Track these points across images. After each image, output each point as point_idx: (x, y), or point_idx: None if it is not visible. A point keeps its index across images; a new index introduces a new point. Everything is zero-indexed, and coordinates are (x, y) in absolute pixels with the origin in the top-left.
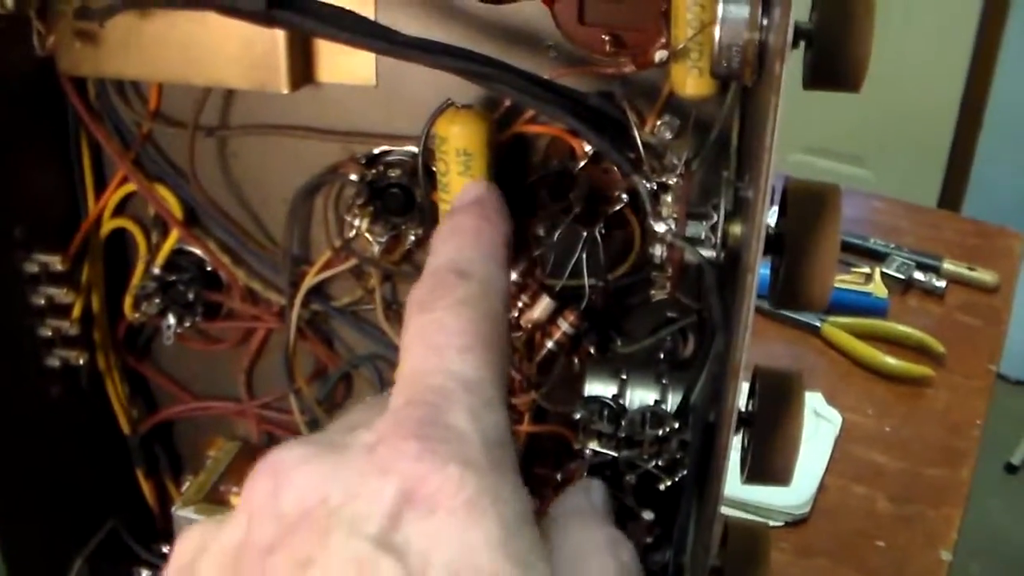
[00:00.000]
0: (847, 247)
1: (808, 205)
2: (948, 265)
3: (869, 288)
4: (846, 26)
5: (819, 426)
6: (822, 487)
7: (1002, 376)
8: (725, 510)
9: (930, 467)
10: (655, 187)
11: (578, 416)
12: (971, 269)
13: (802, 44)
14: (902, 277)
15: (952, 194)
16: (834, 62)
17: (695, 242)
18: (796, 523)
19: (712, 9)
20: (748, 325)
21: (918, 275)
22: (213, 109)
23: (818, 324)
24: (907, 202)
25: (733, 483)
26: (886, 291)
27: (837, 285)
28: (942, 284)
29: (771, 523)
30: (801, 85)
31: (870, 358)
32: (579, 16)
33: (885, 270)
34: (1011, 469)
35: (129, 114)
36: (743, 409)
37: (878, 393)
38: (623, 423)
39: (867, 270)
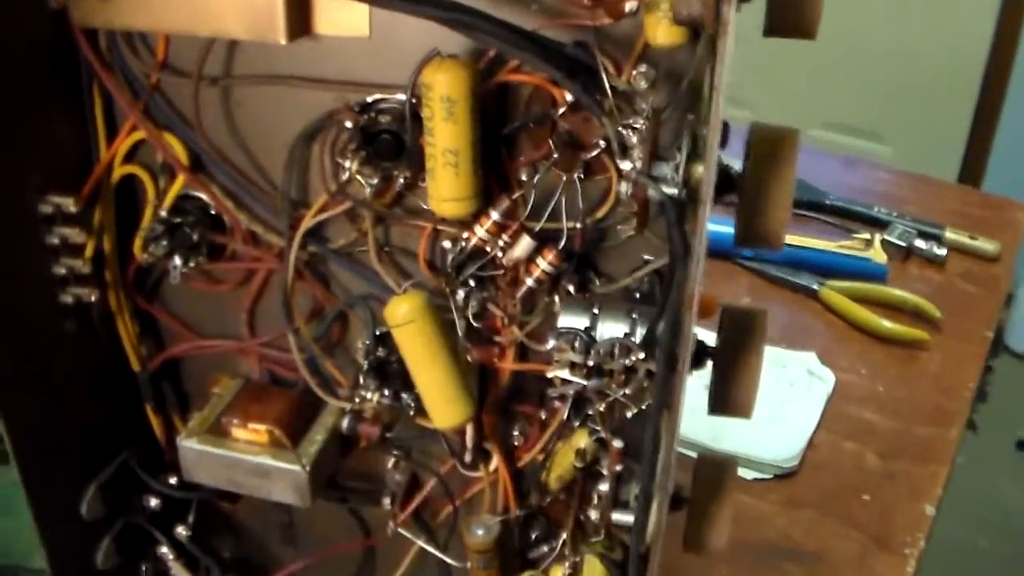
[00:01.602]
0: (850, 214)
1: (766, 147)
2: (949, 234)
3: (868, 254)
4: None
5: (812, 384)
6: (812, 443)
7: (1013, 352)
8: None
9: (920, 426)
10: (624, 130)
11: (551, 345)
12: (972, 238)
13: None
14: (903, 244)
15: (973, 169)
16: (788, 10)
17: (660, 180)
18: (785, 476)
19: None
20: (701, 256)
21: (919, 243)
22: (217, 60)
23: (816, 288)
24: (914, 173)
25: (727, 436)
26: (885, 257)
27: (837, 250)
28: (943, 252)
29: (761, 475)
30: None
31: (867, 321)
32: None
33: (887, 237)
34: (1021, 446)
35: (138, 65)
36: (711, 345)
37: (873, 355)
38: (593, 353)
39: (867, 236)
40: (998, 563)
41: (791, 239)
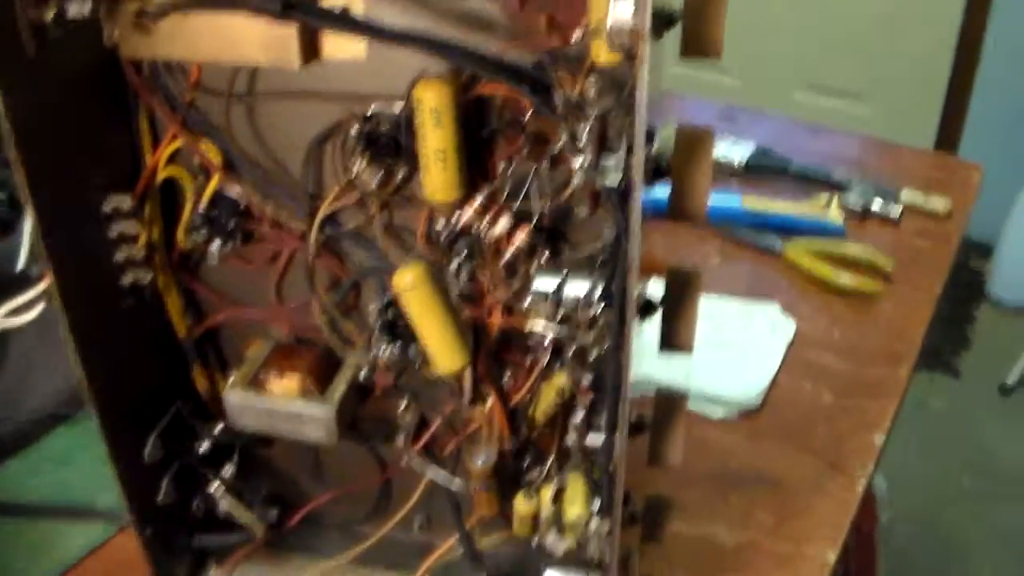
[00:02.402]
0: (812, 179)
1: (686, 142)
2: (904, 194)
3: (827, 215)
4: (702, 11)
5: (775, 332)
6: (774, 384)
7: (996, 302)
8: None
9: (873, 367)
10: (581, 128)
11: (527, 302)
12: (925, 197)
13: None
14: (860, 205)
15: (950, 131)
16: (694, 39)
17: (605, 171)
18: (748, 413)
19: None
20: (637, 229)
21: (876, 203)
22: (242, 81)
23: (779, 247)
24: (878, 138)
25: (697, 379)
26: (842, 217)
27: (797, 213)
28: (898, 210)
29: (727, 413)
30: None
31: (825, 275)
32: (520, 3)
33: (845, 199)
34: (1005, 391)
35: (176, 86)
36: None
37: (832, 306)
38: (561, 307)
39: (826, 198)
40: (979, 500)
41: (756, 203)
